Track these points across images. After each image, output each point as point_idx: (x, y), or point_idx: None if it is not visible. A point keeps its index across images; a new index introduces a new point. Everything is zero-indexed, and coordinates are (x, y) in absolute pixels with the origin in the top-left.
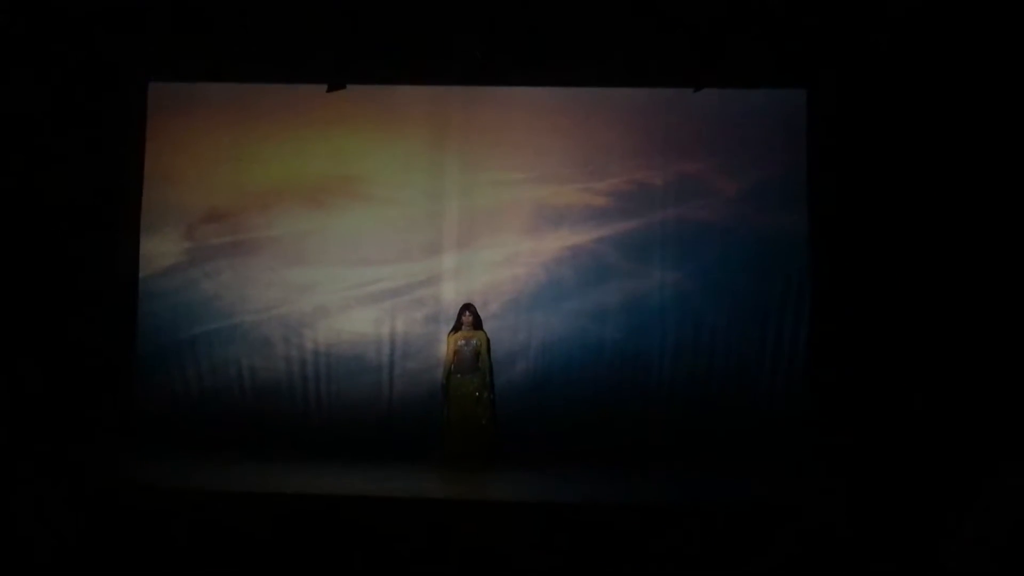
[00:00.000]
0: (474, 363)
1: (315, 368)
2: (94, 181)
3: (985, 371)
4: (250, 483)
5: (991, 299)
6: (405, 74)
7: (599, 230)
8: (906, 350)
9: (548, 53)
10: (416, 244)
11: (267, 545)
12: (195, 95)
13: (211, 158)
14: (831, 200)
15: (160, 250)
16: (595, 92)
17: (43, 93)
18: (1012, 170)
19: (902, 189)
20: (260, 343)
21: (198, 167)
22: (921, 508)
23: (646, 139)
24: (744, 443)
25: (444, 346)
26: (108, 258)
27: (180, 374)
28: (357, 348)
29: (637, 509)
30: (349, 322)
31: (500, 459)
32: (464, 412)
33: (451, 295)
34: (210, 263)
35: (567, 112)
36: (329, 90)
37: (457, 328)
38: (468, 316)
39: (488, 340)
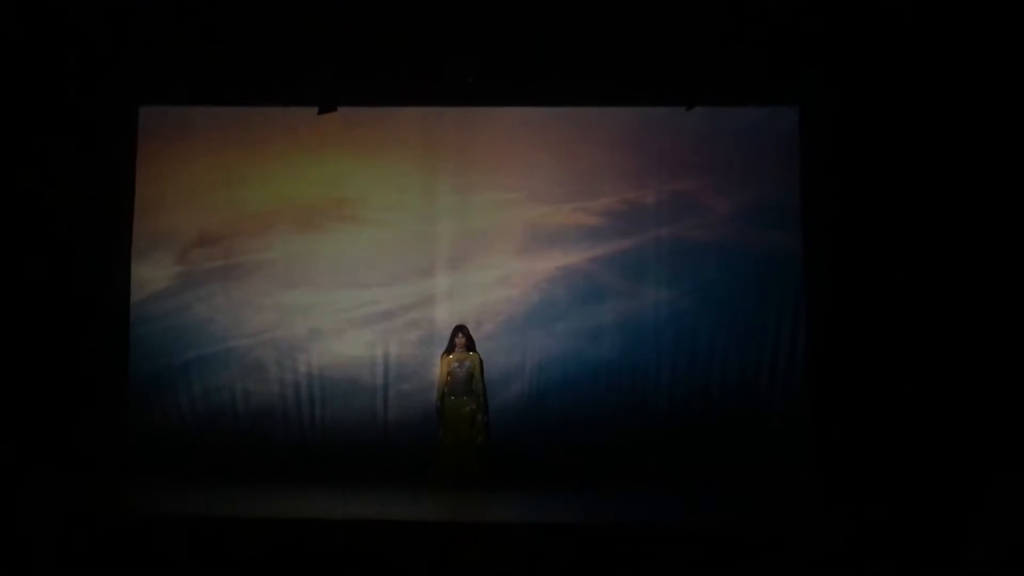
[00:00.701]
0: (468, 385)
1: (309, 391)
2: (85, 206)
3: (983, 387)
4: (244, 507)
5: (988, 314)
6: (396, 96)
7: (592, 250)
8: (903, 366)
9: (540, 73)
10: (409, 266)
11: (262, 570)
12: (186, 119)
13: (203, 181)
14: (825, 217)
15: (152, 275)
16: (587, 112)
17: (34, 117)
18: (1006, 185)
19: (896, 206)
20: (253, 367)
21: (190, 191)
22: (920, 522)
23: (639, 158)
24: (742, 461)
25: (438, 368)
26: (100, 283)
27: (173, 399)
28: (351, 371)
29: (634, 530)
30: (343, 345)
31: (495, 480)
32: (459, 434)
33: (445, 317)
34: (202, 287)
35: (559, 132)
36: (320, 112)
37: (450, 350)
38: (461, 338)
39: (481, 362)
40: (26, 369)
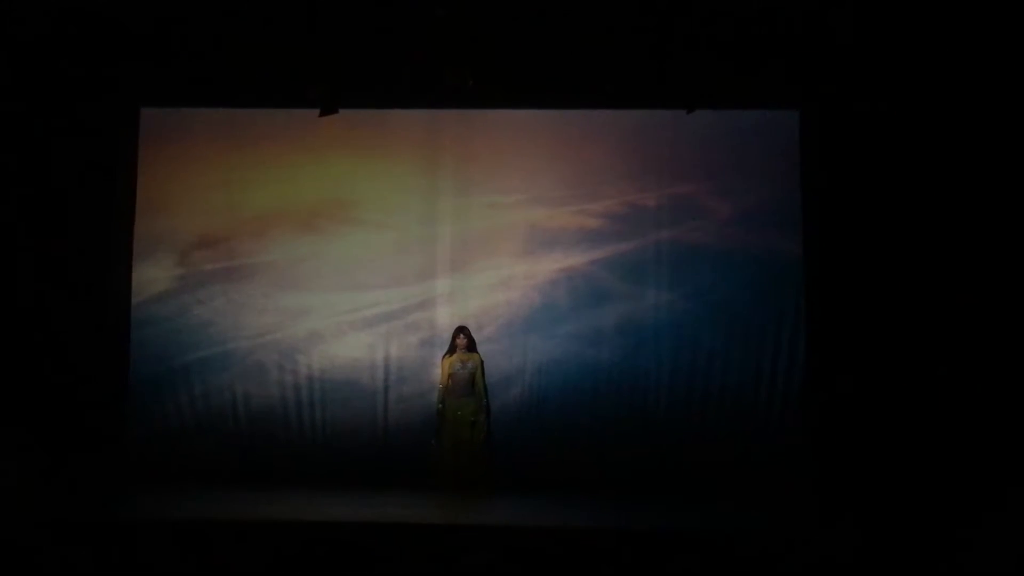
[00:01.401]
0: (469, 386)
1: (309, 394)
2: (86, 207)
3: (983, 392)
4: (244, 510)
5: (988, 318)
6: (398, 98)
7: (593, 252)
8: (902, 370)
9: (541, 76)
10: (410, 268)
11: (261, 573)
12: (187, 121)
13: (203, 183)
14: (825, 221)
15: (153, 276)
16: (588, 115)
17: (34, 119)
18: (1006, 189)
19: (896, 210)
20: (254, 369)
21: (190, 193)
22: (920, 527)
23: (639, 161)
24: (741, 465)
25: (439, 370)
26: (101, 285)
27: (173, 401)
28: (351, 373)
29: (633, 534)
30: (343, 347)
31: (495, 483)
32: (459, 436)
33: (445, 319)
34: (203, 289)
35: (560, 135)
36: (321, 115)
37: (451, 351)
38: (463, 339)
39: (483, 363)
40: (26, 371)
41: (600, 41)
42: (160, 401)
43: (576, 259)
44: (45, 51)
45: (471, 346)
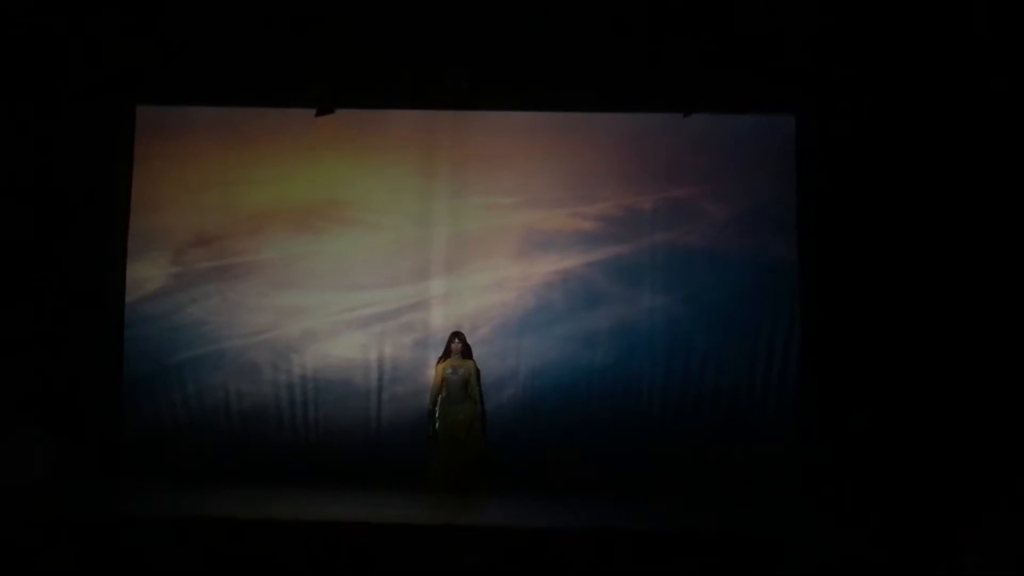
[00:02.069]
0: (463, 392)
1: (303, 393)
2: (81, 205)
3: (979, 394)
4: (237, 509)
5: (983, 321)
6: (394, 99)
7: (588, 255)
8: (897, 374)
9: (537, 78)
10: (405, 269)
11: (254, 571)
12: (183, 119)
13: (199, 182)
14: (820, 225)
15: (147, 274)
16: (585, 117)
17: (30, 116)
18: (1002, 193)
19: (891, 214)
20: (247, 368)
21: (186, 191)
22: (915, 528)
23: (635, 164)
24: (734, 468)
25: (432, 372)
26: (95, 282)
27: (167, 399)
28: (345, 373)
29: (628, 536)
30: (337, 347)
31: (489, 485)
32: (455, 441)
33: (440, 320)
34: (197, 288)
35: (556, 137)
36: (318, 114)
37: (446, 356)
38: (457, 344)
39: (478, 370)
40: (20, 368)
41: (597, 44)
42: (154, 399)
43: (571, 261)
44: (42, 47)
45: (466, 352)
